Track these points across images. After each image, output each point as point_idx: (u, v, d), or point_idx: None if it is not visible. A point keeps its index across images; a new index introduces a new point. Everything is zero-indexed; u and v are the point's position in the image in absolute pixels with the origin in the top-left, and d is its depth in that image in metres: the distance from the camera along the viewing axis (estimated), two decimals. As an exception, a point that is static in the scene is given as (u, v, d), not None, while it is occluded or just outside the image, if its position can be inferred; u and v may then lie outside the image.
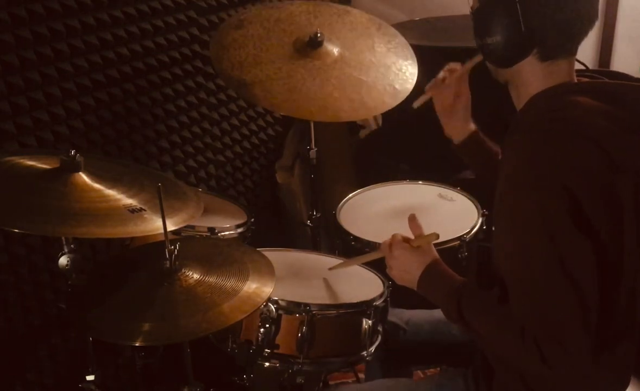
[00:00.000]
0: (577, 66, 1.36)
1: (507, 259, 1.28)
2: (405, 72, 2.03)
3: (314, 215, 2.23)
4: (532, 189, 1.21)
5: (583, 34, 1.29)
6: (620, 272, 1.25)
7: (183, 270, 1.42)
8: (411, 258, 1.49)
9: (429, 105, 1.72)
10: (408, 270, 1.50)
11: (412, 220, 1.56)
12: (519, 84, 1.35)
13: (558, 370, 1.24)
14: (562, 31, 1.27)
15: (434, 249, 1.51)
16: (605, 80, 1.34)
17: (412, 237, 1.54)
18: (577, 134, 1.22)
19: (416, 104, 1.74)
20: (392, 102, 1.95)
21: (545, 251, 1.19)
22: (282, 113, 2.24)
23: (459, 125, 1.71)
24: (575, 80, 1.33)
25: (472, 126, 1.71)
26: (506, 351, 1.32)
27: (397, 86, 1.98)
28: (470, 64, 1.62)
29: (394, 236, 1.54)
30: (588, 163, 1.21)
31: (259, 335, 1.52)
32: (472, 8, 1.36)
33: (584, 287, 1.18)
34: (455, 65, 1.68)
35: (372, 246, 1.82)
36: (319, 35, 1.96)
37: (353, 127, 3.00)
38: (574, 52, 1.32)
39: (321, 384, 1.73)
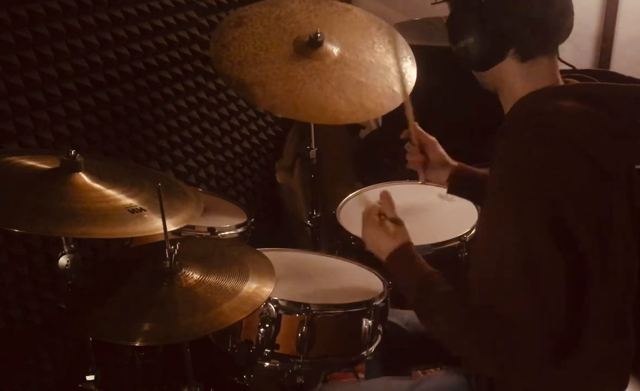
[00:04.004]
0: (563, 67, 1.36)
1: (480, 263, 1.27)
2: (404, 75, 2.02)
3: (314, 215, 2.23)
4: (513, 199, 1.20)
5: (560, 30, 1.29)
6: (607, 278, 1.25)
7: (183, 270, 1.42)
8: (381, 239, 1.49)
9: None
10: (378, 246, 1.50)
11: (385, 197, 1.56)
12: (503, 88, 1.34)
13: (511, 377, 1.24)
14: (536, 28, 1.26)
15: (406, 232, 1.50)
16: (591, 82, 1.33)
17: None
18: (562, 141, 1.21)
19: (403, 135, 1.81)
20: (390, 105, 1.94)
21: (517, 262, 1.18)
22: (281, 116, 2.23)
23: (437, 170, 1.77)
24: (561, 81, 1.32)
25: (452, 163, 1.76)
26: (463, 351, 1.32)
27: (396, 89, 1.97)
28: (411, 118, 1.75)
29: (370, 209, 1.54)
30: (574, 172, 1.20)
31: (259, 335, 1.52)
32: (445, 18, 1.36)
33: (550, 303, 1.18)
34: (406, 132, 1.77)
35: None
36: (319, 35, 1.95)
37: (353, 127, 3.00)
38: (554, 50, 1.31)
39: (321, 384, 1.73)
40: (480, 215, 1.32)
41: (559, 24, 1.28)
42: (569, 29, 1.30)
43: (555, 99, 1.27)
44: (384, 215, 1.52)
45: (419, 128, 1.79)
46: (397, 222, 1.51)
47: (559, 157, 1.20)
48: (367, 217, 1.54)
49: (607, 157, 1.23)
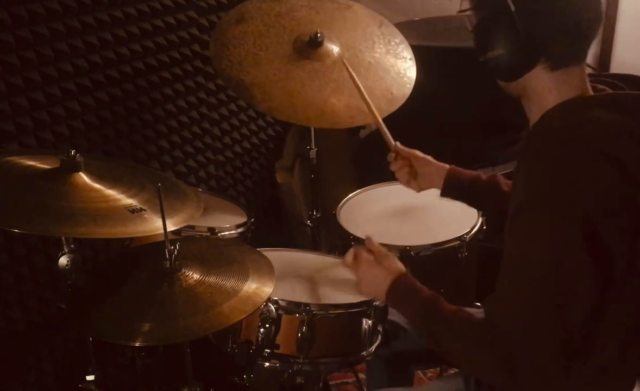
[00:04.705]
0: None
1: (508, 277, 1.25)
2: (403, 76, 2.02)
3: (314, 215, 2.23)
4: (547, 213, 1.17)
5: (590, 37, 1.25)
6: (632, 285, 1.22)
7: (183, 270, 1.42)
8: (376, 279, 1.49)
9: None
10: (375, 286, 1.50)
11: (369, 242, 1.57)
12: (531, 97, 1.30)
13: (527, 388, 1.23)
14: (568, 37, 1.23)
15: (399, 262, 1.50)
16: (621, 91, 1.29)
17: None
18: (592, 153, 1.17)
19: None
20: (388, 109, 1.94)
21: (549, 277, 1.17)
22: (280, 118, 2.23)
23: (428, 179, 1.77)
24: (590, 90, 1.28)
25: (442, 165, 1.75)
26: (475, 366, 1.31)
27: (394, 91, 1.96)
28: (387, 136, 1.77)
29: (357, 252, 1.55)
30: (608, 185, 1.16)
31: (259, 335, 1.52)
32: (471, 25, 1.33)
33: (574, 318, 1.17)
34: (390, 154, 1.79)
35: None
36: (319, 35, 1.95)
37: (353, 127, 3.00)
38: (583, 57, 1.28)
39: (321, 384, 1.73)
40: (506, 230, 1.28)
41: (592, 30, 1.25)
42: (596, 35, 1.27)
43: (585, 110, 1.23)
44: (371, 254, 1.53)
45: (400, 146, 1.79)
46: (387, 255, 1.52)
47: (591, 169, 1.17)
48: (359, 260, 1.54)
49: (638, 165, 1.19)
